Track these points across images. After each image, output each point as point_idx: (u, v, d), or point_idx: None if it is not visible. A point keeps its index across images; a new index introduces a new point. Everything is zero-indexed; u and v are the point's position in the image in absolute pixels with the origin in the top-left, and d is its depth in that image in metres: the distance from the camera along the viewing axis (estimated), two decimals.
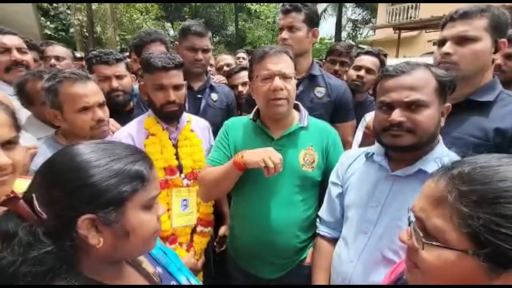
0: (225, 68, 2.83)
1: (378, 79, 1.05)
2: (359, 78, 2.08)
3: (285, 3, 1.77)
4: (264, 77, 1.25)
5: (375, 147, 1.12)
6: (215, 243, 1.66)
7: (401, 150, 1.00)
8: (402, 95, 0.94)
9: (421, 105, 0.93)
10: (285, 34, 1.76)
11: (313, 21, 1.79)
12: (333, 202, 1.22)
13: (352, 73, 2.13)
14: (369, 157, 1.12)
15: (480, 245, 0.48)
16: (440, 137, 1.02)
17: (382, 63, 2.13)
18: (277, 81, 1.22)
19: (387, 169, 1.04)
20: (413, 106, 0.93)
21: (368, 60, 2.11)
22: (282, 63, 1.25)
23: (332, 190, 1.24)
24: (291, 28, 1.75)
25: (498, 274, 0.48)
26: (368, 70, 2.09)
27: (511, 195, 0.47)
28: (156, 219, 0.68)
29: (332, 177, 1.25)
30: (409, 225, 0.61)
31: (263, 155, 1.13)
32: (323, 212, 1.27)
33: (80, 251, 0.61)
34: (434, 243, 0.53)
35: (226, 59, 3.11)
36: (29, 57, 2.00)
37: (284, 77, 1.24)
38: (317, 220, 1.29)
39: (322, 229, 1.26)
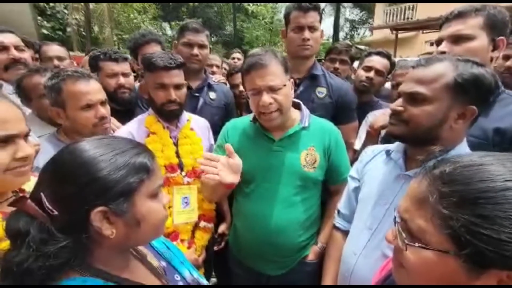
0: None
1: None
2: (368, 80, 2.04)
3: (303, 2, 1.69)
4: (252, 93, 1.23)
5: (396, 145, 1.11)
6: (215, 240, 1.67)
7: (396, 139, 1.03)
8: (406, 86, 0.95)
9: (421, 98, 0.91)
10: (307, 34, 1.67)
11: (321, 21, 1.77)
12: (350, 196, 1.23)
13: (361, 73, 2.08)
14: (388, 154, 1.11)
15: (460, 246, 0.48)
16: (464, 140, 0.98)
17: (392, 65, 2.11)
18: (265, 98, 1.19)
19: (401, 168, 1.03)
20: (414, 99, 0.92)
21: (378, 62, 2.06)
22: (269, 75, 1.19)
23: (350, 184, 1.25)
24: (311, 28, 1.69)
25: (479, 274, 0.48)
26: (378, 72, 2.04)
27: (491, 195, 0.46)
28: (162, 206, 0.71)
29: (352, 172, 1.26)
30: (395, 225, 0.61)
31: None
32: (341, 205, 1.27)
33: (92, 243, 0.63)
34: (417, 244, 0.53)
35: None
36: (27, 55, 1.99)
37: (272, 89, 1.20)
38: (336, 211, 1.30)
39: (338, 221, 1.27)
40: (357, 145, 1.86)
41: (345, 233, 1.22)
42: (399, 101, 0.97)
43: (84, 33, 12.29)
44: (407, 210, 0.57)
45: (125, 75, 1.80)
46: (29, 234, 0.58)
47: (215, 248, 1.66)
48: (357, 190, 1.21)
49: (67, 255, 0.58)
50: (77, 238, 0.59)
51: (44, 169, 0.63)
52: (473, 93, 0.87)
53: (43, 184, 0.62)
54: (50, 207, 0.59)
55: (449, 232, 0.48)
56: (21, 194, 0.64)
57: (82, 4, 11.82)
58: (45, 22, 11.94)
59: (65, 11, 12.19)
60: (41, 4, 11.84)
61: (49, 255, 0.57)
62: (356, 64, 2.55)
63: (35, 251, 0.56)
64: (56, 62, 2.37)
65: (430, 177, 0.54)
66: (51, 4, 12.29)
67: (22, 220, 0.59)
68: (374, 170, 1.14)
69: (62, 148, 0.66)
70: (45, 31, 11.49)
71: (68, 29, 12.14)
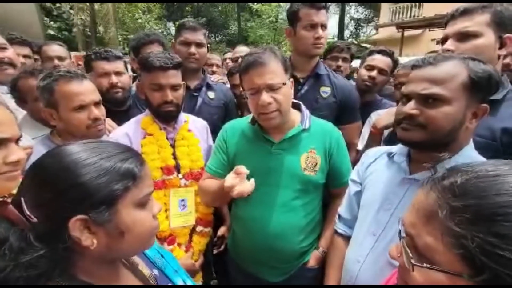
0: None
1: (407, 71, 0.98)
2: (371, 79, 2.00)
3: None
4: (251, 92, 1.19)
5: (398, 147, 1.06)
6: (214, 243, 1.64)
7: (411, 146, 0.96)
8: (419, 87, 0.87)
9: (439, 100, 0.84)
10: (322, 32, 1.65)
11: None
12: (351, 200, 1.19)
13: (364, 73, 2.04)
14: (391, 157, 1.06)
15: (475, 268, 0.43)
16: (471, 140, 0.93)
17: (395, 64, 2.07)
18: (264, 97, 1.15)
19: (405, 171, 0.99)
20: (430, 100, 0.86)
21: (381, 60, 2.01)
22: (268, 74, 1.15)
23: (351, 188, 1.20)
24: (323, 26, 1.66)
25: None
26: (381, 71, 2.00)
27: (510, 211, 0.41)
28: (151, 216, 0.66)
29: (353, 175, 1.22)
30: (400, 239, 0.55)
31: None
32: (342, 210, 1.23)
33: (74, 253, 0.59)
34: (425, 265, 0.47)
35: (243, 51, 2.97)
36: (10, 52, 1.96)
37: (272, 88, 1.17)
38: (336, 216, 1.26)
39: (339, 227, 1.23)
40: (360, 145, 1.81)
41: (347, 238, 1.18)
42: (412, 104, 0.89)
43: (89, 33, 12.37)
44: (414, 225, 0.51)
45: (118, 74, 1.76)
46: (7, 241, 0.54)
47: (215, 251, 1.63)
48: (358, 194, 1.17)
49: (45, 266, 0.55)
50: (56, 247, 0.56)
51: (27, 172, 0.61)
52: (485, 90, 0.84)
53: (25, 188, 0.59)
54: (28, 213, 0.56)
55: (462, 253, 0.43)
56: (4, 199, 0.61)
57: (87, 4, 11.89)
58: (51, 22, 12.05)
59: (71, 11, 12.27)
60: (48, 4, 11.95)
61: (26, 265, 0.53)
62: (356, 63, 2.53)
63: (12, 260, 0.53)
64: (56, 62, 2.35)
65: (439, 189, 0.49)
66: (57, 5, 12.38)
67: (1, 227, 0.56)
68: (377, 173, 1.10)
69: (48, 151, 0.63)
70: (51, 32, 11.59)
71: (74, 30, 12.20)
